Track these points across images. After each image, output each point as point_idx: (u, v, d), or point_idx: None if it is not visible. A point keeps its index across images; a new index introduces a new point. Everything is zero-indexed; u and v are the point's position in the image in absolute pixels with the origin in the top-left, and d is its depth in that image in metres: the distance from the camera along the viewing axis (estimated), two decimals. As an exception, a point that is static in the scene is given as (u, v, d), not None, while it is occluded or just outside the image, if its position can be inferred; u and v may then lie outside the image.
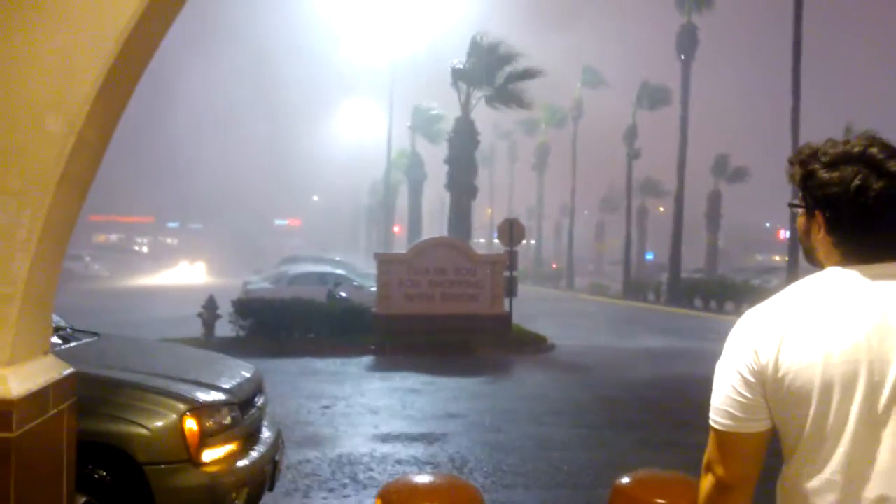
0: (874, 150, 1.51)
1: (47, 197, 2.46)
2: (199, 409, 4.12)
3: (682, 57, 32.48)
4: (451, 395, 10.28)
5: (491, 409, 9.52)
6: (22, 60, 2.42)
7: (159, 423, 3.98)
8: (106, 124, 2.71)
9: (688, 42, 32.41)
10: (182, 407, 4.06)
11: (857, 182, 1.49)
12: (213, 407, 4.25)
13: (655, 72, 42.38)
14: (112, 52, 2.48)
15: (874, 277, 1.49)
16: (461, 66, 20.29)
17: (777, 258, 57.51)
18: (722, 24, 41.09)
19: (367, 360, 13.49)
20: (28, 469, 2.48)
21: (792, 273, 24.33)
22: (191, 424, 4.04)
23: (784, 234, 36.20)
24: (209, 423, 4.16)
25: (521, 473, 6.56)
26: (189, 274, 49.17)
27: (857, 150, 1.52)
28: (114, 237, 74.03)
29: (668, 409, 9.87)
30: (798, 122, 24.47)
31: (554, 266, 55.79)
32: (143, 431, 3.94)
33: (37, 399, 2.54)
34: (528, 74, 20.56)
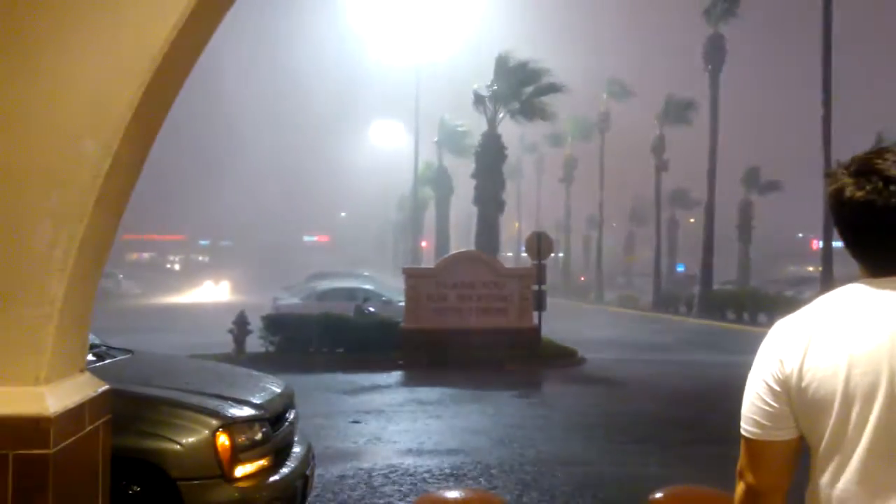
0: (880, 161, 1.48)
1: (84, 218, 2.50)
2: (231, 425, 4.15)
3: (710, 67, 32.29)
4: (480, 409, 10.25)
5: (520, 424, 9.46)
6: (58, 81, 2.47)
7: (192, 439, 4.01)
8: (142, 145, 2.76)
9: (715, 52, 32.22)
10: (214, 423, 4.10)
11: (862, 194, 1.47)
12: (244, 422, 4.28)
13: (682, 83, 42.20)
14: (148, 71, 2.52)
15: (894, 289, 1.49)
16: (487, 86, 20.47)
17: (811, 269, 56.60)
18: (749, 33, 40.78)
19: (396, 374, 13.51)
20: (65, 485, 2.51)
21: (825, 284, 23.95)
22: (223, 440, 4.07)
23: (817, 244, 35.60)
24: (241, 439, 4.19)
25: (551, 489, 6.51)
26: (214, 292, 49.66)
27: (875, 162, 1.49)
28: (146, 255, 75.11)
29: (702, 423, 9.72)
30: (829, 131, 24.15)
31: (582, 279, 55.50)
32: (177, 447, 3.97)
33: (73, 416, 2.58)
34: (552, 89, 20.60)
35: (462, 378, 12.63)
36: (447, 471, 7.06)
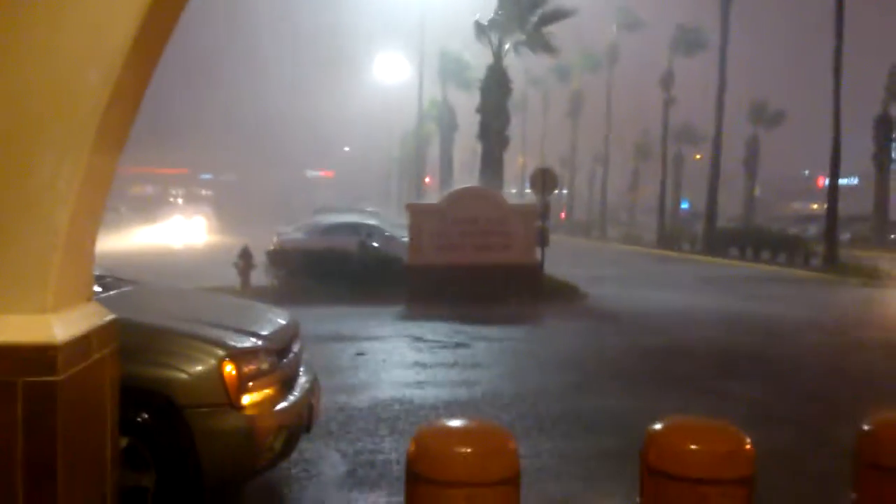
0: None
1: (86, 148, 2.50)
2: (237, 355, 4.21)
3: (721, -2, 31.43)
4: (483, 344, 10.38)
5: (524, 358, 9.60)
6: (55, 8, 2.43)
7: (199, 368, 4.08)
8: (142, 74, 2.73)
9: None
10: (221, 352, 4.16)
11: None
12: (251, 352, 4.34)
13: (692, 13, 41.15)
14: (145, 2, 2.48)
15: None
16: (491, 16, 19.89)
17: (815, 206, 56.39)
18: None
19: (399, 309, 13.63)
20: (73, 412, 2.57)
21: (830, 221, 23.90)
22: (229, 369, 4.14)
23: (824, 181, 35.35)
24: (247, 368, 4.26)
25: (555, 420, 6.64)
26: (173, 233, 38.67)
27: None
28: (150, 189, 74.91)
29: (706, 357, 9.86)
30: (840, 67, 23.70)
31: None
32: (184, 376, 4.05)
33: (80, 344, 2.62)
34: (559, 14, 20.05)
35: (465, 314, 12.75)
36: (451, 402, 7.20)
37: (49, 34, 2.43)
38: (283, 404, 4.46)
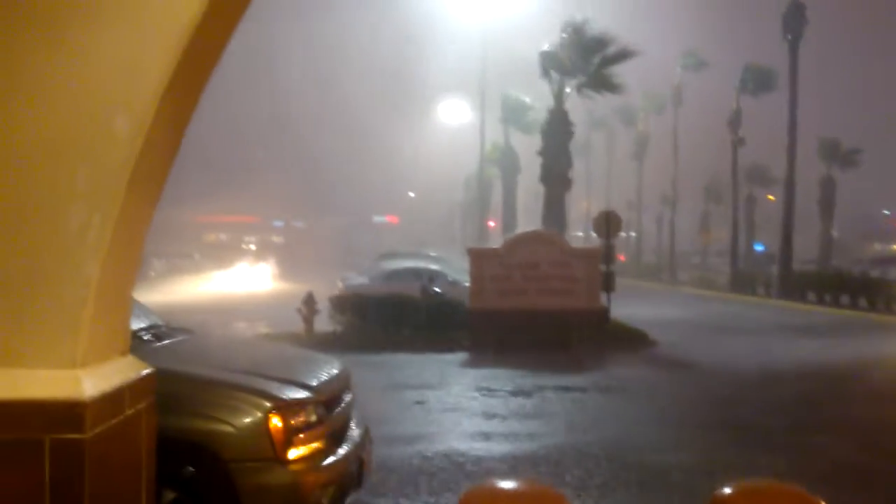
0: None
1: (117, 199, 2.44)
2: (284, 407, 4.09)
3: (790, 37, 30.77)
4: (546, 394, 10.05)
5: (587, 408, 9.24)
6: (86, 57, 2.40)
7: (245, 421, 3.98)
8: (176, 123, 2.67)
9: (795, 21, 30.67)
10: (268, 404, 4.05)
11: None
12: (298, 404, 4.22)
13: (759, 54, 40.37)
14: (179, 45, 2.43)
15: None
16: (552, 52, 19.76)
17: (897, 247, 53.87)
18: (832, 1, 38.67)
19: (461, 356, 13.41)
20: (104, 469, 2.48)
21: (916, 263, 22.64)
22: (276, 422, 4.02)
23: (906, 221, 33.76)
24: (294, 421, 4.13)
25: (615, 478, 6.29)
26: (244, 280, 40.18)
27: None
28: (223, 236, 77.09)
29: (782, 409, 9.28)
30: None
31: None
32: (229, 429, 3.94)
33: (111, 400, 2.53)
34: (622, 56, 19.83)
35: (528, 360, 12.45)
36: (508, 456, 6.92)
37: (76, 79, 2.39)
38: (331, 458, 4.30)
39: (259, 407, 4.03)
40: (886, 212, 75.47)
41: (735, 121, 37.76)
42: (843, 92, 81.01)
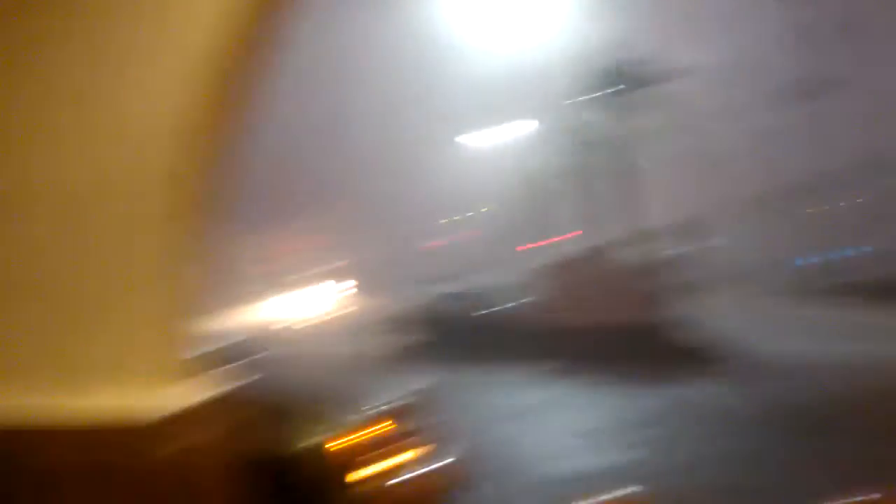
0: None
1: (181, 223, 2.51)
2: (370, 424, 4.00)
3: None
4: (640, 404, 9.60)
5: (691, 422, 8.75)
6: (116, 89, 2.45)
7: (316, 439, 3.94)
8: (212, 149, 2.66)
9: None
10: (353, 421, 3.97)
11: None
12: (383, 419, 4.13)
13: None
14: (207, 79, 2.47)
15: None
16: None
17: None
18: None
19: (549, 371, 12.98)
20: (176, 493, 2.42)
21: None
22: (347, 440, 3.96)
23: None
24: (381, 438, 4.05)
25: (711, 487, 5.90)
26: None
27: None
28: (297, 259, 78.65)
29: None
30: None
31: None
32: (302, 445, 3.90)
33: (180, 421, 2.49)
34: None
35: (620, 372, 11.88)
36: (609, 473, 6.64)
37: (121, 110, 2.44)
38: (416, 474, 4.18)
39: (342, 424, 3.98)
40: None
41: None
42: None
